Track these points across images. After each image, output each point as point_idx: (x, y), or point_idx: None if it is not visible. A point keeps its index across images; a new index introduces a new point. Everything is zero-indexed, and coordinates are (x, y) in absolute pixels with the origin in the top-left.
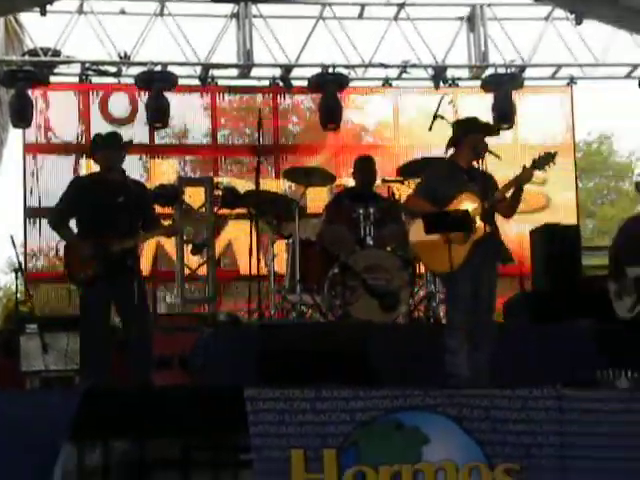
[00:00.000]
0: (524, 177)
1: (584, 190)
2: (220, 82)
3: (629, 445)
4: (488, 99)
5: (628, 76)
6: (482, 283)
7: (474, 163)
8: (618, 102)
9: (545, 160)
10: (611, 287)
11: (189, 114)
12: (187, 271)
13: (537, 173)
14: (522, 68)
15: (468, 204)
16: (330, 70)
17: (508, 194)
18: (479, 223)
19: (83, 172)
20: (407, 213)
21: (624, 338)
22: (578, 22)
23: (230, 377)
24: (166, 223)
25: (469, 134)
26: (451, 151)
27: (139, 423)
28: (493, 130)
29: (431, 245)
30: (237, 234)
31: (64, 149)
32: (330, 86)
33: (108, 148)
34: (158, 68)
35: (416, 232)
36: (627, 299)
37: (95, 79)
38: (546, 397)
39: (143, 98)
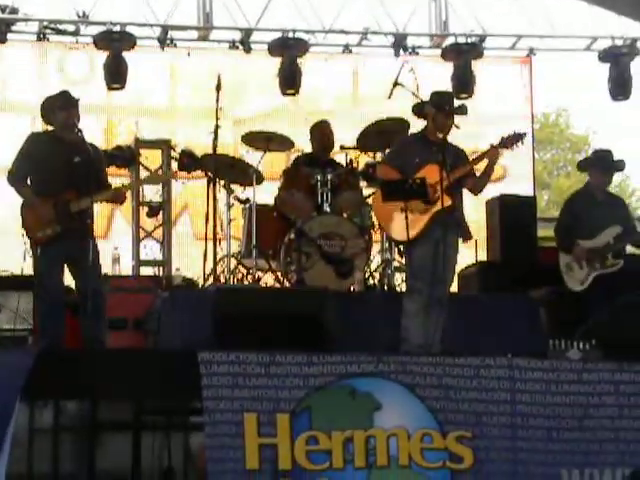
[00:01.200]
0: (491, 155)
1: (540, 162)
2: (179, 44)
3: (580, 415)
4: (448, 68)
5: (588, 49)
6: (440, 255)
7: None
8: (577, 75)
9: (514, 139)
10: (561, 260)
11: (148, 75)
12: (142, 233)
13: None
14: (482, 38)
15: (433, 175)
16: (290, 35)
17: (476, 169)
18: (438, 194)
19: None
20: (366, 180)
21: (576, 309)
22: None
23: (185, 341)
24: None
25: (435, 109)
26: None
27: (92, 385)
28: (463, 110)
29: (391, 213)
30: (194, 197)
31: (21, 108)
32: (290, 51)
33: (61, 109)
34: (117, 28)
35: (378, 199)
36: (577, 272)
37: (53, 38)
38: (498, 366)
39: (101, 58)
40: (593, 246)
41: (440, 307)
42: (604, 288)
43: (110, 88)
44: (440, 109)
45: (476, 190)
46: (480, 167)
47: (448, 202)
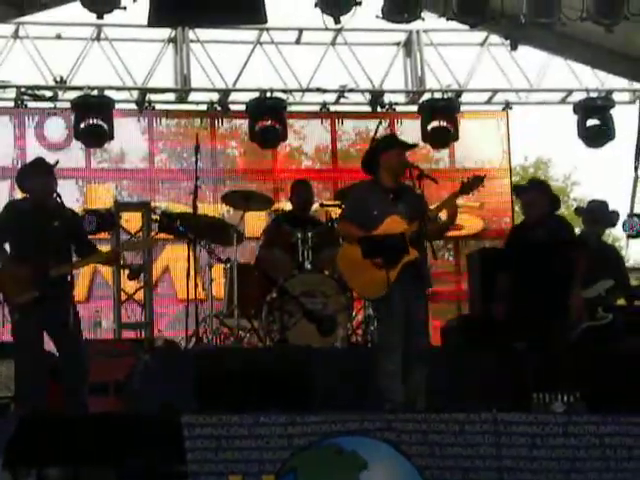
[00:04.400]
0: (451, 203)
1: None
2: (157, 106)
3: (566, 469)
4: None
5: (563, 101)
6: (413, 306)
7: (408, 182)
8: (553, 127)
9: (473, 183)
10: None
11: (126, 138)
12: (124, 296)
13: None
14: (458, 93)
15: (396, 226)
16: (268, 95)
17: (440, 216)
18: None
19: (19, 197)
20: (342, 238)
21: (560, 362)
22: (513, 48)
23: (167, 403)
24: (104, 249)
25: (383, 152)
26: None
27: (74, 450)
28: (407, 144)
29: (359, 269)
30: (175, 259)
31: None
32: (268, 111)
33: (37, 176)
34: (95, 92)
35: (344, 257)
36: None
37: (31, 104)
38: (483, 421)
39: (79, 123)
40: (584, 297)
41: (422, 363)
42: (592, 340)
43: (87, 145)
44: (389, 148)
45: (435, 238)
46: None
47: (415, 253)
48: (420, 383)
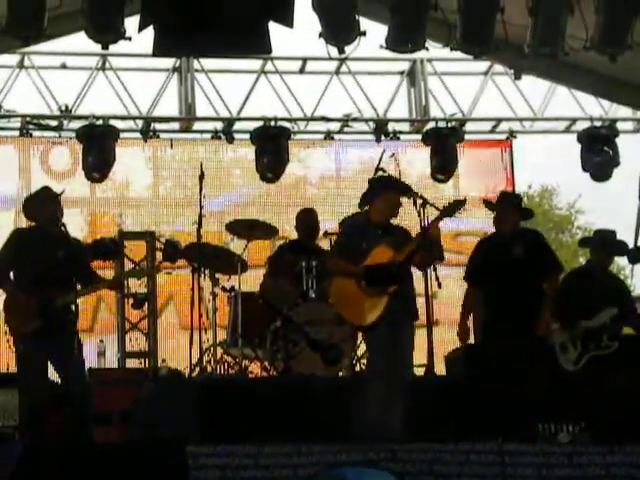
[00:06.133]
0: (433, 229)
1: None
2: (162, 135)
3: None
4: (429, 152)
5: (567, 130)
6: (401, 338)
7: (392, 220)
8: (557, 156)
9: (455, 207)
10: (556, 339)
11: (131, 167)
12: (128, 325)
13: (479, 225)
14: (462, 122)
15: (383, 256)
16: (272, 123)
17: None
18: None
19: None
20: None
21: (565, 392)
22: (517, 77)
23: (172, 433)
24: (108, 276)
25: (381, 192)
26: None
27: None
28: (408, 191)
29: (349, 299)
30: (179, 287)
31: (5, 203)
32: (272, 139)
33: (43, 204)
34: (100, 122)
35: (336, 288)
36: (572, 352)
37: (36, 133)
38: (488, 451)
39: (84, 152)
40: (589, 326)
41: (407, 394)
42: (598, 370)
43: (92, 180)
44: (388, 189)
45: (421, 266)
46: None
47: (401, 283)
48: (398, 414)
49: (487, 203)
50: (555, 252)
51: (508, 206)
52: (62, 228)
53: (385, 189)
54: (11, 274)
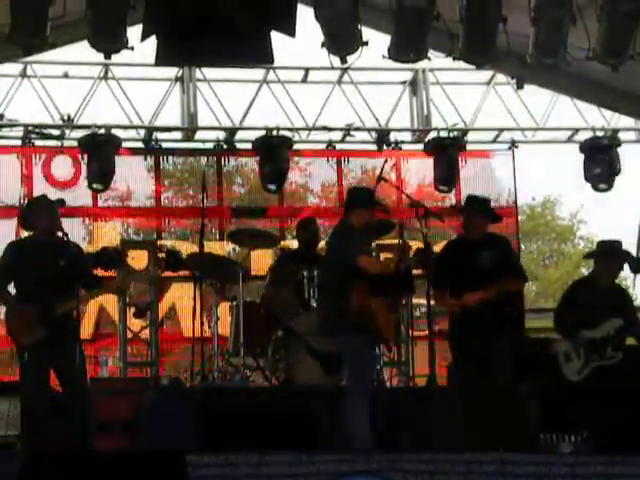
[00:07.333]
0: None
1: (527, 253)
2: (164, 145)
3: None
4: (431, 162)
5: (569, 140)
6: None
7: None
8: (560, 166)
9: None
10: (560, 349)
11: (133, 177)
12: (129, 334)
13: None
14: (464, 132)
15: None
16: (274, 133)
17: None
18: None
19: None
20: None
21: (567, 402)
22: (519, 87)
23: (173, 442)
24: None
25: (357, 206)
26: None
27: None
28: (381, 205)
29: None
30: (180, 297)
31: (6, 213)
32: (274, 149)
33: (41, 213)
34: (102, 131)
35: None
36: (576, 362)
37: (38, 142)
38: (489, 461)
39: (86, 161)
40: (593, 336)
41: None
42: (601, 380)
43: (94, 190)
44: (363, 205)
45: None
46: None
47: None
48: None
49: (453, 208)
50: (520, 262)
51: (475, 211)
52: (63, 237)
53: (362, 205)
54: (11, 286)
